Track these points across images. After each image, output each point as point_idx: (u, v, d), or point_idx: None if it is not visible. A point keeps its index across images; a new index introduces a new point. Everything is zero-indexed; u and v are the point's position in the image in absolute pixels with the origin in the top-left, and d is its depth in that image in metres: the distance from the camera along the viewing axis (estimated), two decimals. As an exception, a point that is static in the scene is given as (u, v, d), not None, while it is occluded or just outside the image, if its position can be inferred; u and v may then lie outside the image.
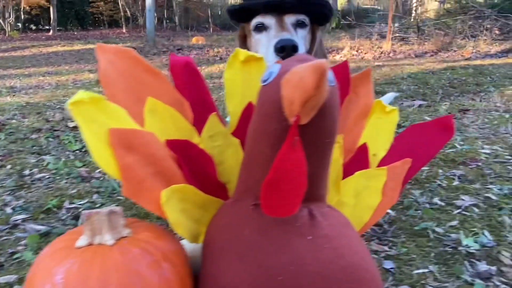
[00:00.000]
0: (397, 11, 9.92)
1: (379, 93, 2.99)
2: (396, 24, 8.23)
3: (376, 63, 4.95)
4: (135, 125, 0.58)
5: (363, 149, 0.82)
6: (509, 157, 1.44)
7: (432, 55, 5.82)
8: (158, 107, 0.63)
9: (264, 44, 1.04)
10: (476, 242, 0.92)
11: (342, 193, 0.79)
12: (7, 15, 10.36)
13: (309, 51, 1.11)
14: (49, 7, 11.20)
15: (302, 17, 1.06)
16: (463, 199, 1.14)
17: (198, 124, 0.68)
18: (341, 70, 0.77)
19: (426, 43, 6.67)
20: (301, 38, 1.06)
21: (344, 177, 0.79)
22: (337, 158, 0.79)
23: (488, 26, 6.88)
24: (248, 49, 1.11)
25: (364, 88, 0.83)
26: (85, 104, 0.50)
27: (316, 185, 0.60)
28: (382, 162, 0.80)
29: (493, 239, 0.94)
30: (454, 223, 1.00)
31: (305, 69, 0.48)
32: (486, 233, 0.96)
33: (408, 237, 0.95)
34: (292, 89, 0.50)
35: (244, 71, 0.70)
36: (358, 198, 0.79)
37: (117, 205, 1.15)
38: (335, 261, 0.56)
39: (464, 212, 1.06)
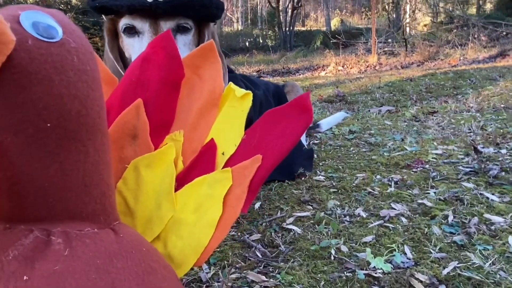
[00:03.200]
0: (388, 28, 9.90)
1: (351, 103, 2.81)
2: (389, 40, 8.16)
3: (358, 76, 4.80)
4: None
5: (210, 147, 0.62)
6: (463, 156, 1.23)
7: (418, 65, 5.67)
8: None
9: (137, 53, 0.88)
10: (388, 262, 0.70)
11: (179, 207, 0.59)
12: None
13: None
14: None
15: (183, 21, 0.89)
16: (393, 208, 0.92)
17: None
18: (164, 43, 0.59)
19: (413, 54, 6.56)
20: (182, 45, 0.89)
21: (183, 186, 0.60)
22: (169, 161, 0.60)
23: (476, 35, 6.77)
24: (121, 48, 0.94)
25: (209, 68, 0.64)
26: None
27: (60, 197, 0.40)
28: (229, 162, 0.60)
29: (412, 257, 0.72)
30: (368, 238, 0.79)
31: None
32: (407, 249, 0.74)
33: (304, 260, 0.73)
34: None
35: None
36: (198, 212, 0.58)
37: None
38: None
39: (386, 224, 0.85)
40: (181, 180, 0.61)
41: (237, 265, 0.73)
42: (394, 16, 11.71)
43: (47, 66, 0.37)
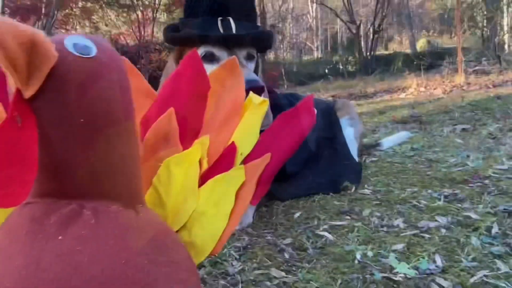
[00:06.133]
0: (483, 46, 9.19)
1: (426, 123, 2.68)
2: (482, 58, 7.56)
3: (441, 96, 4.52)
4: None
5: (231, 149, 0.70)
6: (531, 171, 1.12)
7: (513, 83, 5.14)
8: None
9: None
10: (413, 268, 0.69)
11: (202, 201, 0.67)
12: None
13: None
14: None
15: (251, 50, 1.04)
16: (437, 221, 0.89)
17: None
18: (191, 61, 0.69)
19: (508, 71, 5.97)
20: (251, 70, 1.03)
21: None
22: (195, 161, 0.69)
23: None
24: None
25: (232, 80, 0.73)
26: None
27: (88, 179, 0.51)
28: (245, 160, 0.67)
29: (442, 264, 0.69)
30: (399, 246, 0.78)
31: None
32: (437, 257, 0.72)
33: (327, 261, 0.75)
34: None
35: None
36: (218, 206, 0.66)
37: None
38: (79, 269, 0.45)
39: (422, 234, 0.82)
40: (205, 178, 0.69)
41: (264, 264, 0.78)
42: (489, 33, 10.81)
43: (82, 76, 0.48)
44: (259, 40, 1.05)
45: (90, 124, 0.49)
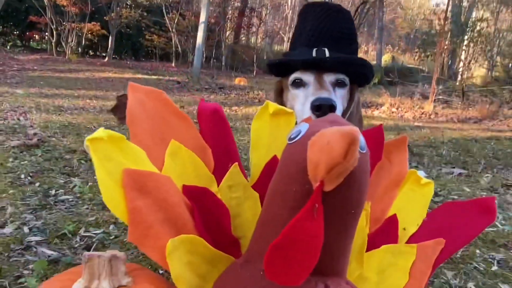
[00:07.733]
0: (442, 74, 9.83)
1: (417, 155, 2.89)
2: (441, 87, 8.11)
3: (416, 124, 4.85)
4: (152, 167, 0.56)
5: (393, 220, 0.75)
6: (558, 247, 1.30)
7: (475, 122, 5.63)
8: (180, 151, 0.61)
9: (300, 100, 1.01)
10: None
11: (365, 267, 0.72)
12: (70, 39, 11.23)
13: (345, 111, 1.08)
14: (108, 36, 12.00)
15: (342, 76, 1.04)
16: (502, 289, 1.02)
17: (219, 173, 0.65)
18: (375, 134, 0.73)
19: (470, 109, 6.51)
20: (339, 97, 1.03)
21: (368, 249, 0.73)
22: (362, 227, 0.73)
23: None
24: (283, 103, 1.10)
25: (398, 155, 0.78)
26: (103, 142, 0.49)
27: (335, 259, 0.55)
28: (412, 239, 0.73)
29: None
30: (490, 316, 0.89)
31: (334, 133, 0.45)
32: (528, 335, 0.84)
33: (436, 325, 0.84)
34: (318, 152, 0.46)
35: (272, 124, 0.67)
36: (382, 275, 0.71)
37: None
38: None
39: (502, 305, 0.94)
40: (367, 244, 0.74)
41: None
42: (449, 62, 11.58)
43: (359, 171, 0.51)
44: (348, 66, 1.03)
45: (354, 213, 0.52)
